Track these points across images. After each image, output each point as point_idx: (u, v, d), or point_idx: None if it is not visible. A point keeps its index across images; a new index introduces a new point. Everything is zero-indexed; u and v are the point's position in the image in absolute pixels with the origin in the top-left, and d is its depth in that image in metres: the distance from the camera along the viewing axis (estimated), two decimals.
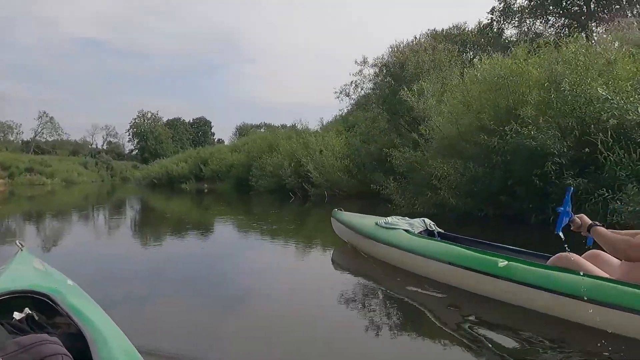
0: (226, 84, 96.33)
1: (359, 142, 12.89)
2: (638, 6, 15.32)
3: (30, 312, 1.49)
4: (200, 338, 2.33)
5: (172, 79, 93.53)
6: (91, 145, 58.21)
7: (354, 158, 13.18)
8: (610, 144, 4.94)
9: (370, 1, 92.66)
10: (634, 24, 8.81)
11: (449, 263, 3.00)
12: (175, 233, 7.31)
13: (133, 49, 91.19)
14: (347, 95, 15.13)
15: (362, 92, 14.78)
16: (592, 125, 5.18)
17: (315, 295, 3.33)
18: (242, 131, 52.43)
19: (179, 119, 69.91)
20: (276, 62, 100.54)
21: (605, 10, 16.08)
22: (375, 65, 12.66)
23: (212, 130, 75.14)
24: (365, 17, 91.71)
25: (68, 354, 1.14)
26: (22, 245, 2.23)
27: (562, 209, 2.23)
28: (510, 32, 18.56)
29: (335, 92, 15.52)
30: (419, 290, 3.09)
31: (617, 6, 15.20)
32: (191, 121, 72.48)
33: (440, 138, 7.64)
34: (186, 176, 25.79)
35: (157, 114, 64.63)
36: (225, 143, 39.62)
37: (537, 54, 6.72)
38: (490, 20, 18.66)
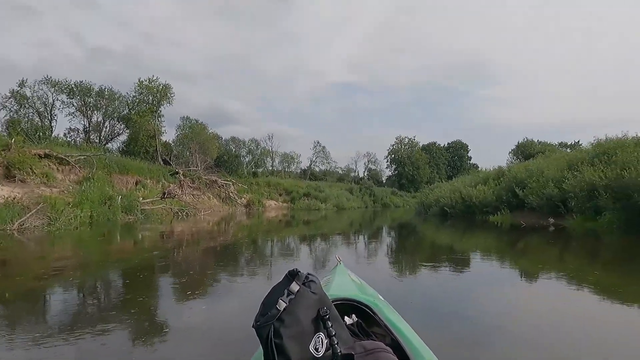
0: (470, 108, 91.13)
1: None
2: None
3: (357, 319, 1.60)
4: None
5: (415, 109, 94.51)
6: (353, 172, 60.01)
7: None
8: None
9: None
10: None
11: None
12: None
13: (378, 86, 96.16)
14: None
15: None
16: None
17: None
18: (524, 149, 42.24)
19: (434, 143, 65.32)
20: (522, 81, 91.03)
21: None
22: None
23: (469, 155, 67.35)
24: None
25: None
26: (340, 259, 2.61)
27: None
28: None
29: None
30: None
31: None
32: (446, 145, 66.88)
33: None
34: (491, 204, 18.52)
35: (414, 139, 61.73)
36: (483, 168, 30.04)
37: None
38: None
